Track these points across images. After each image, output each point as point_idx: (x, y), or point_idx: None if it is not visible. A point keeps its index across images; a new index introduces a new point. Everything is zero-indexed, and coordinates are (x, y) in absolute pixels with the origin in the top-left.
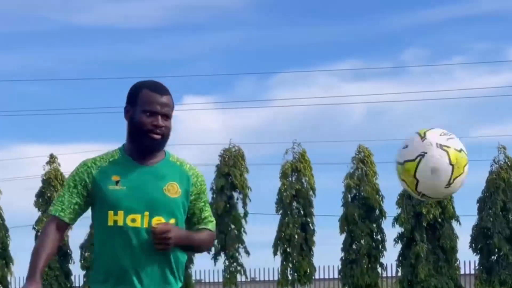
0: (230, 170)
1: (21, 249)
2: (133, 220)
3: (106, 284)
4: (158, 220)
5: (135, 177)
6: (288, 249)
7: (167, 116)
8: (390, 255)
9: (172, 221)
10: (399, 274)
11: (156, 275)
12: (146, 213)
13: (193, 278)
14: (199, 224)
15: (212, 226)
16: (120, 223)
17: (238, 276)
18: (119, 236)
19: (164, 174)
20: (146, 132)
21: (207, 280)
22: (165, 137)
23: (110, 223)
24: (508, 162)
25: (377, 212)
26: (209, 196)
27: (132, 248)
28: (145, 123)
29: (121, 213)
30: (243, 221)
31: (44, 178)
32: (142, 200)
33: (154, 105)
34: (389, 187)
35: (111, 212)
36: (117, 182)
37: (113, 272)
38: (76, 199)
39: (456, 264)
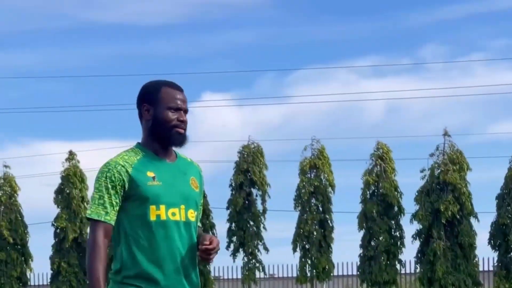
0: (249, 167)
1: (40, 245)
2: (174, 214)
3: (139, 279)
4: (192, 213)
5: (167, 173)
6: (306, 246)
7: (186, 112)
8: (409, 252)
9: (195, 213)
10: (418, 271)
11: (189, 266)
12: (182, 206)
13: (212, 274)
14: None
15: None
16: (163, 217)
17: (257, 272)
18: (162, 229)
19: (185, 170)
20: (173, 127)
21: (225, 277)
22: (186, 131)
23: (152, 217)
24: None
25: (396, 208)
26: (228, 192)
27: (173, 240)
28: (172, 119)
29: (163, 207)
30: (261, 217)
31: (63, 174)
32: (178, 194)
33: (177, 101)
34: (408, 183)
35: (153, 207)
36: (153, 178)
37: (150, 266)
38: (116, 200)
39: (474, 261)
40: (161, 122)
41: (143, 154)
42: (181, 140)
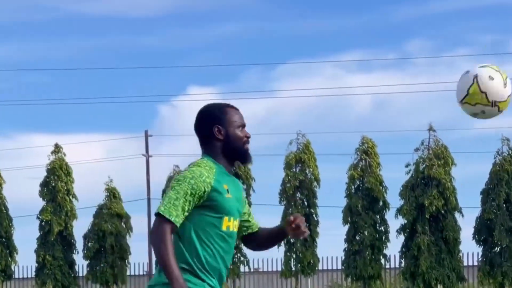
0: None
1: (25, 238)
2: (235, 226)
3: (203, 275)
4: (237, 223)
5: (233, 187)
6: (291, 240)
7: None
8: (394, 246)
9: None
10: (402, 265)
11: (225, 272)
12: (238, 220)
13: None
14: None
15: None
16: (231, 228)
17: (242, 267)
18: (230, 239)
19: (240, 186)
20: (244, 144)
21: None
22: None
23: (224, 228)
24: None
25: (381, 203)
26: None
27: (230, 250)
28: (242, 136)
29: (232, 219)
30: None
31: (49, 167)
32: (237, 208)
33: (242, 120)
34: (393, 178)
35: (226, 218)
36: (228, 191)
37: (210, 270)
38: (189, 207)
39: (459, 256)
40: (234, 140)
41: (217, 168)
42: (249, 158)
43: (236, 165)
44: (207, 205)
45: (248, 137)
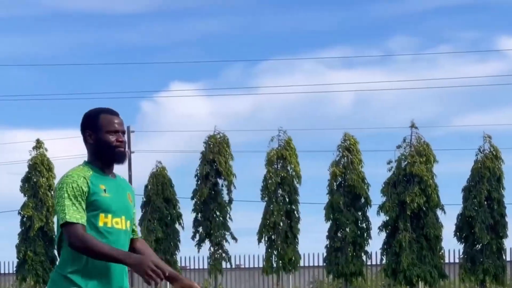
0: (215, 157)
1: (6, 234)
2: (117, 223)
3: (84, 276)
4: (129, 224)
5: (112, 187)
6: (273, 237)
7: (124, 133)
8: (375, 243)
9: (130, 224)
10: (384, 262)
11: (124, 270)
12: (123, 217)
13: (178, 264)
14: (134, 233)
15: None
16: (109, 224)
17: (223, 263)
18: (108, 235)
19: (123, 186)
20: (114, 148)
21: (191, 267)
22: (125, 150)
23: (101, 224)
24: (493, 151)
25: (363, 200)
26: (193, 182)
27: (116, 245)
28: (112, 141)
29: (109, 216)
30: (227, 208)
31: (30, 163)
32: (121, 206)
33: (115, 125)
34: (375, 175)
35: (102, 215)
36: (104, 190)
37: (97, 267)
38: (81, 206)
39: (440, 253)
40: (103, 145)
41: (93, 171)
42: (122, 158)
43: (217, 162)
44: (88, 204)
45: (120, 141)
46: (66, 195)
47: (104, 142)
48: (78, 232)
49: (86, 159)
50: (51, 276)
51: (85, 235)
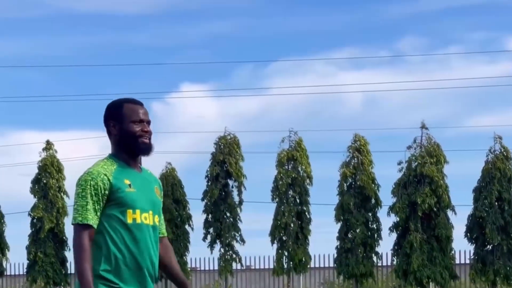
0: (225, 158)
1: (17, 235)
2: (145, 218)
3: (116, 274)
4: (157, 219)
5: (138, 181)
6: (283, 238)
7: (149, 123)
8: (386, 244)
9: (159, 219)
10: (394, 263)
11: (155, 264)
12: (151, 212)
13: (189, 265)
14: (161, 230)
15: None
16: (138, 220)
17: (234, 264)
18: (138, 231)
19: (150, 180)
20: (138, 137)
21: (202, 268)
22: (151, 141)
23: (129, 220)
24: (504, 152)
25: (373, 201)
26: (204, 183)
27: (145, 241)
28: (136, 131)
29: (138, 211)
30: (238, 209)
31: (40, 164)
32: (148, 201)
33: (139, 114)
34: (385, 176)
35: (130, 211)
36: (129, 185)
37: (128, 266)
38: (98, 207)
39: (451, 254)
40: (127, 135)
41: (117, 164)
42: (147, 149)
43: (227, 163)
44: (111, 200)
45: (145, 131)
46: (83, 193)
47: (128, 132)
48: (81, 236)
49: (108, 154)
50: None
51: (85, 241)
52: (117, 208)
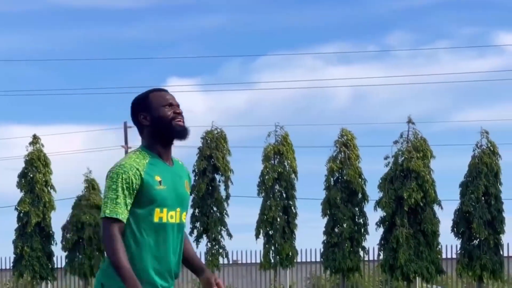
0: (212, 153)
1: (3, 229)
2: (171, 217)
3: (140, 273)
4: (184, 215)
5: (169, 177)
6: (270, 232)
7: (179, 106)
8: (372, 239)
9: (186, 215)
10: (381, 258)
11: (177, 265)
12: (178, 209)
13: None
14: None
15: None
16: (164, 220)
17: (220, 258)
18: (162, 231)
19: (181, 173)
20: (172, 120)
21: None
22: (185, 123)
23: (156, 219)
24: (491, 147)
25: (360, 195)
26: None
27: (168, 242)
28: (168, 114)
29: (165, 210)
30: (225, 203)
31: (27, 158)
32: (176, 198)
33: (167, 98)
34: (372, 170)
35: (157, 210)
36: (160, 182)
37: (150, 262)
38: (129, 201)
39: (437, 249)
40: (160, 121)
41: (150, 157)
42: (183, 131)
43: (215, 158)
44: (141, 197)
45: (177, 113)
46: (114, 186)
47: (161, 117)
48: (111, 229)
49: (139, 147)
50: (101, 267)
51: (116, 235)
52: (145, 206)
